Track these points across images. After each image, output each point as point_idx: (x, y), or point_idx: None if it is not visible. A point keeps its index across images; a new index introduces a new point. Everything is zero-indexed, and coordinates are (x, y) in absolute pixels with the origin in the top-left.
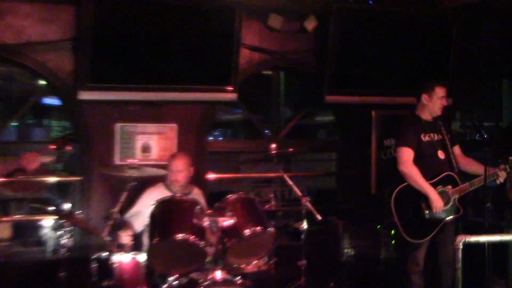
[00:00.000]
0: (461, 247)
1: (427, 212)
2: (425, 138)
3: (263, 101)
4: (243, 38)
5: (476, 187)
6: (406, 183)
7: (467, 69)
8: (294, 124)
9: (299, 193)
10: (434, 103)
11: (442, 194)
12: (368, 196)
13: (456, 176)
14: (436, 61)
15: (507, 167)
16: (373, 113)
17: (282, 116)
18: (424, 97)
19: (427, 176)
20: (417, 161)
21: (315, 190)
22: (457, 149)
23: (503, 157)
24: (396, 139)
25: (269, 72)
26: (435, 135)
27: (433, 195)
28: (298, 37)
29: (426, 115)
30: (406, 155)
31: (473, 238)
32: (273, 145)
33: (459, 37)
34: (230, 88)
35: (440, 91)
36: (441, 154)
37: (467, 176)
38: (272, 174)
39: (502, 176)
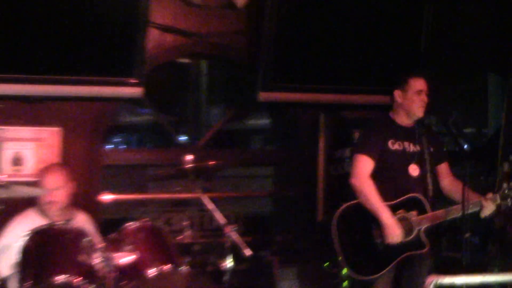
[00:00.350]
0: None
1: (379, 241)
2: (393, 146)
3: (178, 98)
4: (152, 15)
5: (452, 217)
6: (355, 201)
7: (442, 61)
8: (219, 129)
9: (222, 220)
10: (410, 100)
11: (402, 221)
12: (313, 224)
13: (424, 200)
14: (403, 51)
15: (497, 197)
16: (321, 115)
17: (204, 118)
18: (397, 93)
19: (387, 195)
20: (377, 175)
21: (245, 216)
22: (444, 168)
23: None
24: (355, 144)
25: (187, 61)
26: (411, 144)
27: (387, 219)
28: (224, 15)
29: (402, 118)
30: (362, 164)
31: (447, 279)
32: (189, 157)
33: (432, 20)
34: (134, 81)
35: (416, 84)
36: (413, 170)
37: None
38: (187, 195)
39: (487, 208)
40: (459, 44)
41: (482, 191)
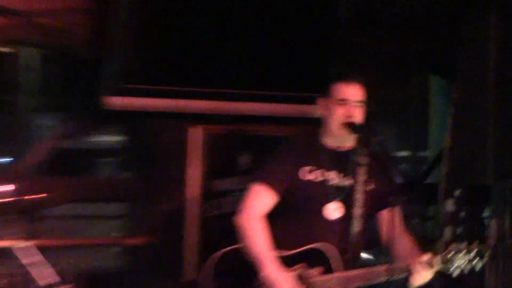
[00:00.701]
0: None
1: None
2: (310, 175)
3: None
4: None
5: (375, 282)
6: (236, 246)
7: (362, 62)
8: (52, 148)
9: (53, 278)
10: (330, 112)
11: (300, 280)
12: (178, 285)
13: (332, 254)
14: (313, 42)
15: (437, 260)
16: (195, 129)
17: (31, 131)
18: (321, 102)
19: (294, 242)
20: (281, 215)
21: (86, 272)
22: (388, 215)
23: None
24: (258, 170)
25: (7, 50)
26: (341, 175)
27: (268, 272)
28: None
29: (329, 139)
30: (256, 197)
31: None
32: (5, 188)
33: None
34: None
35: (338, 91)
36: (332, 211)
37: None
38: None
39: (419, 276)
40: (384, 40)
41: (417, 240)
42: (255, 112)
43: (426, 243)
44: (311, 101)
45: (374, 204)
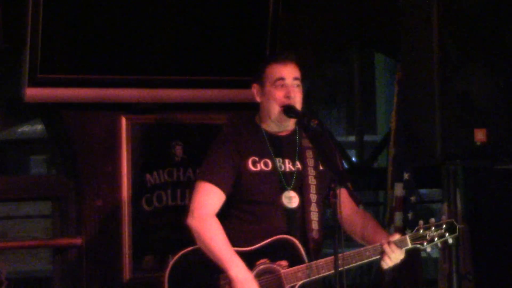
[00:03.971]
0: None
1: None
2: (257, 166)
3: None
4: None
5: (339, 269)
6: (193, 247)
7: (302, 30)
8: None
9: None
10: (269, 95)
11: (265, 276)
12: (118, 285)
13: (298, 245)
14: (244, 20)
15: (407, 239)
16: (123, 120)
17: None
18: (255, 88)
19: (248, 240)
20: (233, 211)
21: (15, 277)
22: (344, 195)
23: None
24: (200, 167)
25: None
26: (288, 162)
27: (237, 274)
28: None
29: (269, 124)
30: (204, 196)
31: None
32: None
33: None
34: None
35: (274, 71)
36: (287, 200)
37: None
38: None
39: (392, 256)
40: (327, 11)
41: None
42: (184, 99)
43: None
44: (243, 85)
45: (325, 188)
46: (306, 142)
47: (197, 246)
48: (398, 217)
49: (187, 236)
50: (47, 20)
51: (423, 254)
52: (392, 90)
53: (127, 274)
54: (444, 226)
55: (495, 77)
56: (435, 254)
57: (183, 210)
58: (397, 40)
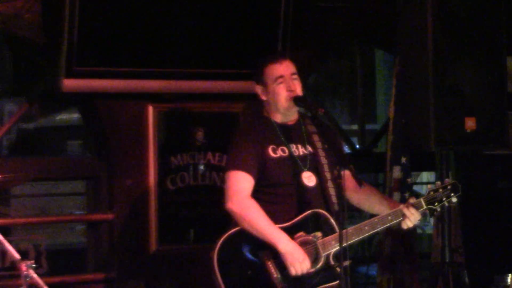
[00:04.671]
0: None
1: (278, 276)
2: (276, 152)
3: None
4: None
5: (367, 234)
6: (238, 228)
7: (311, 29)
8: (17, 130)
9: (15, 254)
10: (273, 93)
11: (304, 246)
12: (144, 256)
13: (328, 216)
14: (258, 18)
15: (422, 201)
16: (150, 108)
17: None
18: (259, 89)
19: (280, 217)
20: (261, 194)
21: (50, 249)
22: (348, 172)
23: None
24: (226, 159)
25: None
26: (300, 147)
27: (285, 246)
28: None
29: (277, 116)
30: (237, 183)
31: None
32: None
33: None
34: None
35: (272, 71)
36: (308, 179)
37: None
38: None
39: (412, 217)
40: (332, 9)
41: None
42: (204, 90)
43: None
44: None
45: (331, 164)
46: (311, 128)
47: (239, 228)
48: (396, 196)
49: (206, 213)
50: (82, 18)
51: (418, 230)
52: (391, 83)
53: (153, 246)
54: (449, 187)
55: (483, 71)
56: (429, 231)
57: (203, 189)
58: (395, 38)
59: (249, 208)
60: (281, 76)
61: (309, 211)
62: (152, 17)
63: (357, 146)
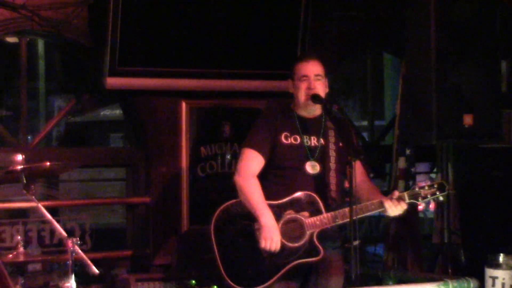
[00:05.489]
0: None
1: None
2: (287, 139)
3: (10, 88)
4: None
5: (344, 221)
6: (236, 200)
7: (327, 36)
8: (65, 123)
9: (63, 232)
10: (297, 88)
11: (291, 223)
12: (176, 235)
13: (318, 199)
14: (280, 25)
15: (405, 195)
16: (183, 104)
17: (45, 110)
18: (290, 82)
19: (278, 195)
20: (269, 173)
21: (96, 228)
22: (358, 168)
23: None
24: (246, 137)
25: (15, 40)
26: (313, 138)
27: (265, 220)
28: None
29: (300, 109)
30: (248, 160)
31: None
32: (18, 157)
33: None
34: None
35: (300, 69)
36: (311, 167)
37: None
38: (18, 204)
39: (390, 209)
40: (346, 17)
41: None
42: (231, 88)
43: (384, 194)
44: (278, 77)
45: (344, 160)
46: (330, 125)
47: (238, 199)
48: (401, 184)
49: (231, 197)
50: (124, 23)
51: (421, 215)
52: (397, 83)
53: (184, 226)
54: (436, 186)
55: (480, 73)
56: (430, 215)
57: (229, 176)
58: (401, 43)
59: (250, 183)
60: (305, 75)
61: (302, 192)
62: (185, 24)
63: (367, 140)
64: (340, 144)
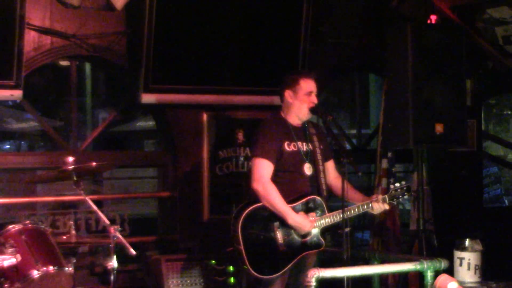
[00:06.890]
0: (313, 283)
1: (281, 242)
2: (289, 147)
3: (62, 102)
4: (29, 16)
5: (350, 216)
6: (259, 204)
7: (322, 59)
8: (104, 132)
9: (106, 221)
10: (300, 101)
11: None
12: (199, 223)
13: (323, 201)
14: (283, 50)
15: (386, 198)
16: (204, 115)
17: (91, 122)
18: (288, 93)
19: (285, 196)
20: (275, 177)
21: (133, 218)
22: (330, 165)
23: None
24: (252, 147)
25: (67, 63)
26: (304, 144)
27: (294, 219)
28: (103, 17)
29: (293, 118)
30: (262, 169)
31: (328, 272)
32: (69, 159)
33: (311, 20)
34: (11, 83)
35: (306, 85)
36: (307, 169)
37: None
38: (70, 197)
39: (377, 209)
40: (339, 44)
41: (361, 187)
42: (243, 102)
43: (370, 189)
44: (277, 93)
45: (324, 160)
46: (312, 131)
47: (260, 204)
48: (384, 181)
49: (243, 192)
50: (156, 49)
51: (400, 207)
52: (381, 98)
53: (206, 216)
54: (405, 188)
55: (449, 89)
56: (408, 207)
57: (243, 175)
58: (384, 65)
59: (270, 190)
60: (311, 92)
61: (310, 197)
62: (206, 50)
63: (356, 145)
64: (321, 147)
